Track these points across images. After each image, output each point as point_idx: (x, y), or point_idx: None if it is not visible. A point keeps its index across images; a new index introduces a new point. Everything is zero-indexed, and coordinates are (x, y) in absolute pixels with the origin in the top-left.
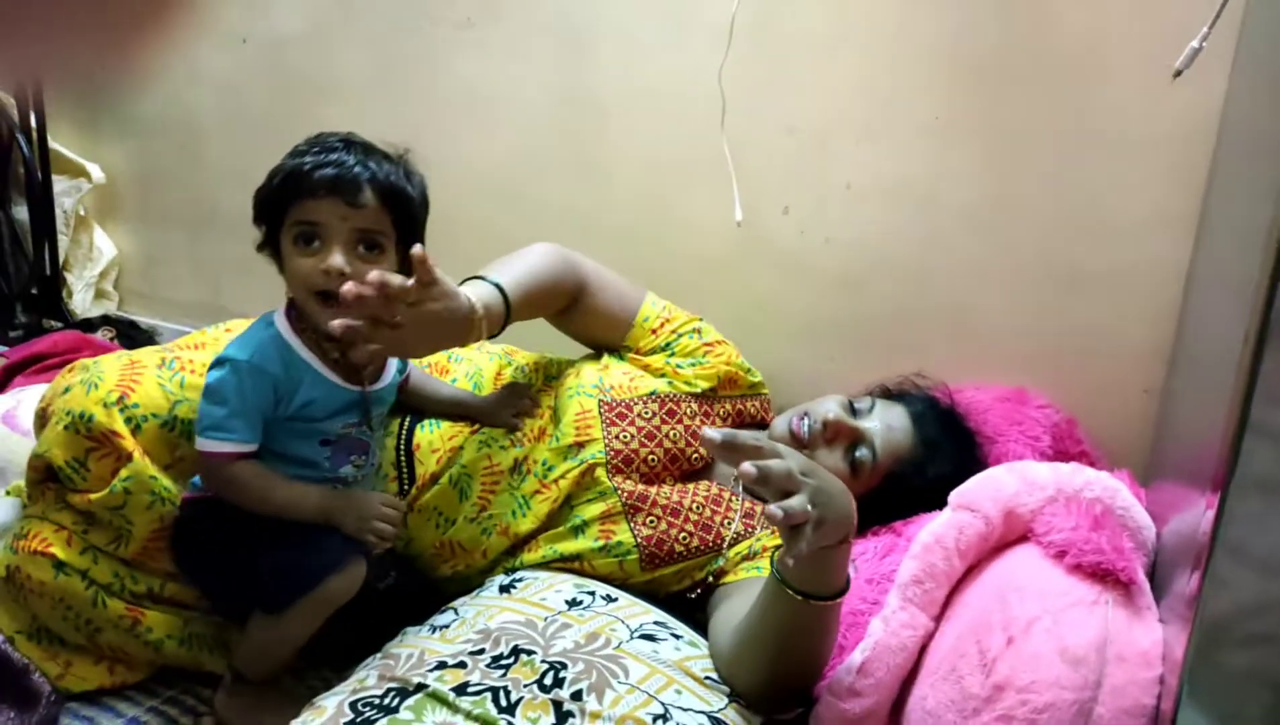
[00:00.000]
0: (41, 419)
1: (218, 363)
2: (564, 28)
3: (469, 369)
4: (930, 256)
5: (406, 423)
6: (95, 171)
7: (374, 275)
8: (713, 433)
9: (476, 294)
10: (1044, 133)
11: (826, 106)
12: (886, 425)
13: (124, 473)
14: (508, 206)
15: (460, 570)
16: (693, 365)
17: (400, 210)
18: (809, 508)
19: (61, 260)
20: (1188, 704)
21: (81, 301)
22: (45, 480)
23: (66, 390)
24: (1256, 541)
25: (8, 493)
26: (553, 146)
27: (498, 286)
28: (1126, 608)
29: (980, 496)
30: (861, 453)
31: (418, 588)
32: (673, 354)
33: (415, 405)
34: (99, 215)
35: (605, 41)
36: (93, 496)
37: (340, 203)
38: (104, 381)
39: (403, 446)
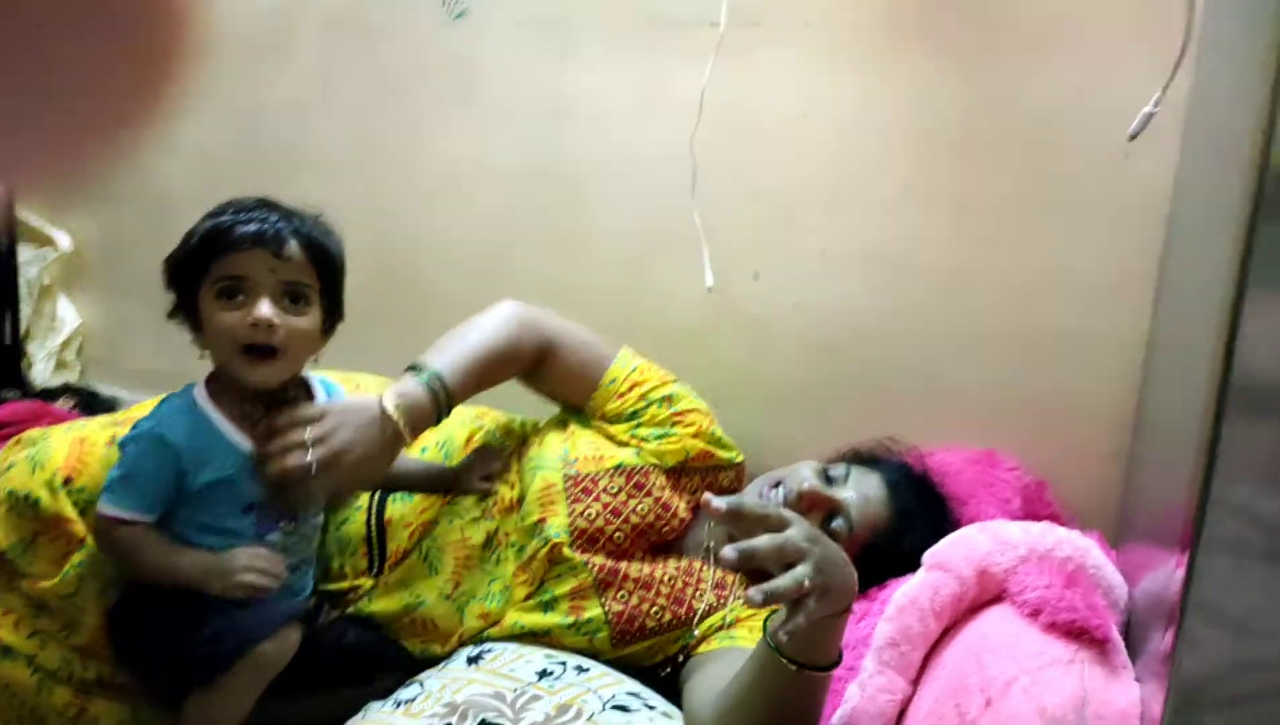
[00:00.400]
0: None
1: (131, 429)
2: (539, 103)
3: (440, 437)
4: (900, 322)
5: (377, 497)
6: (63, 240)
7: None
8: (718, 502)
9: (399, 394)
10: (1009, 199)
11: (795, 175)
12: (863, 496)
13: (75, 558)
14: (483, 278)
15: (431, 649)
16: (660, 437)
17: (324, 264)
18: (815, 576)
19: (23, 330)
20: None
21: (43, 371)
22: None
23: (10, 467)
24: (1227, 602)
25: None
26: (528, 219)
27: (433, 378)
28: (1103, 666)
29: (954, 556)
30: (838, 523)
31: (375, 647)
32: (639, 424)
33: (381, 483)
34: (64, 283)
35: (579, 116)
36: (43, 584)
37: (267, 254)
38: (50, 460)
39: (374, 521)
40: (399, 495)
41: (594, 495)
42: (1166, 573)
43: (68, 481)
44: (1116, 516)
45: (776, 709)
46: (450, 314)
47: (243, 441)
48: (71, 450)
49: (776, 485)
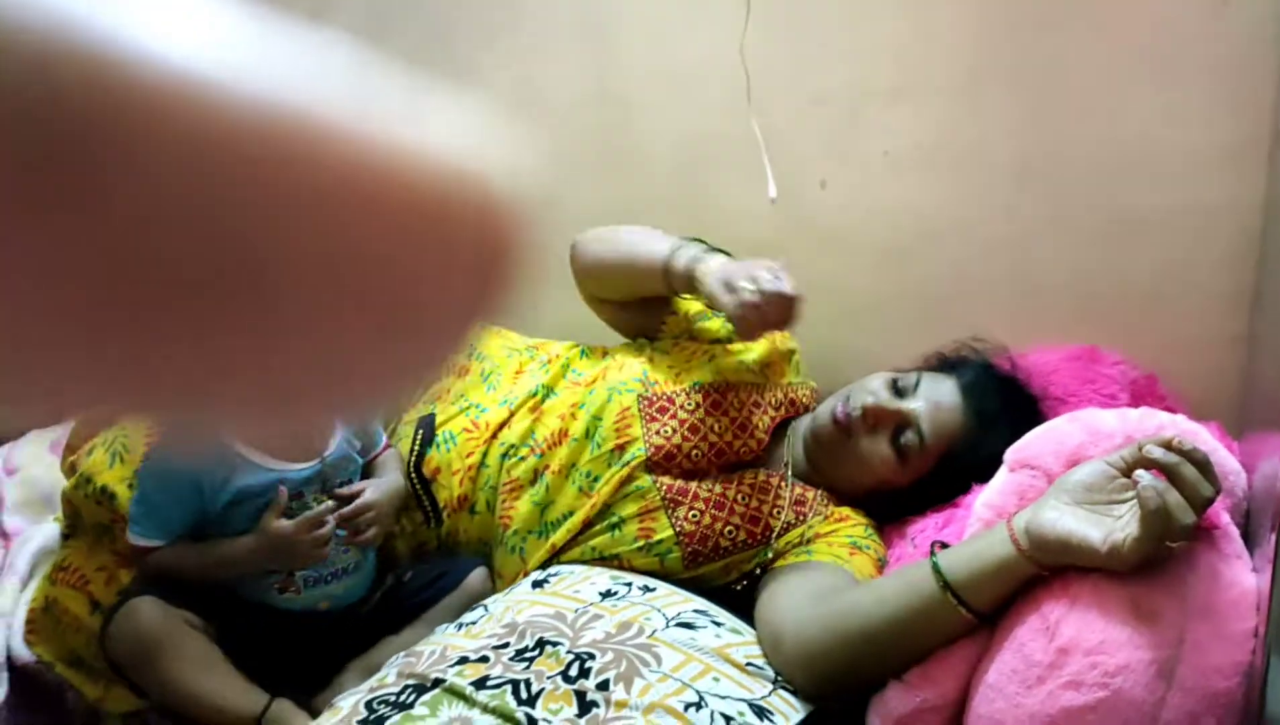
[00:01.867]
0: (70, 467)
1: (145, 458)
2: (580, 26)
3: (487, 367)
4: (979, 218)
5: (416, 447)
6: None
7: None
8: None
9: None
10: (1087, 71)
11: (853, 72)
12: (933, 404)
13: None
14: (542, 212)
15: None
16: (731, 337)
17: None
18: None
19: None
20: (1278, 660)
21: None
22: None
23: (91, 450)
24: None
25: (55, 519)
26: (581, 147)
27: None
28: (1210, 554)
29: (1041, 452)
30: (908, 437)
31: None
32: (695, 336)
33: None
34: None
35: (622, 35)
36: (122, 571)
37: None
38: (130, 452)
39: (414, 474)
40: (440, 440)
41: (670, 413)
42: (1275, 458)
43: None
44: (1238, 405)
45: (909, 633)
46: None
47: (260, 459)
48: (151, 439)
49: (847, 400)
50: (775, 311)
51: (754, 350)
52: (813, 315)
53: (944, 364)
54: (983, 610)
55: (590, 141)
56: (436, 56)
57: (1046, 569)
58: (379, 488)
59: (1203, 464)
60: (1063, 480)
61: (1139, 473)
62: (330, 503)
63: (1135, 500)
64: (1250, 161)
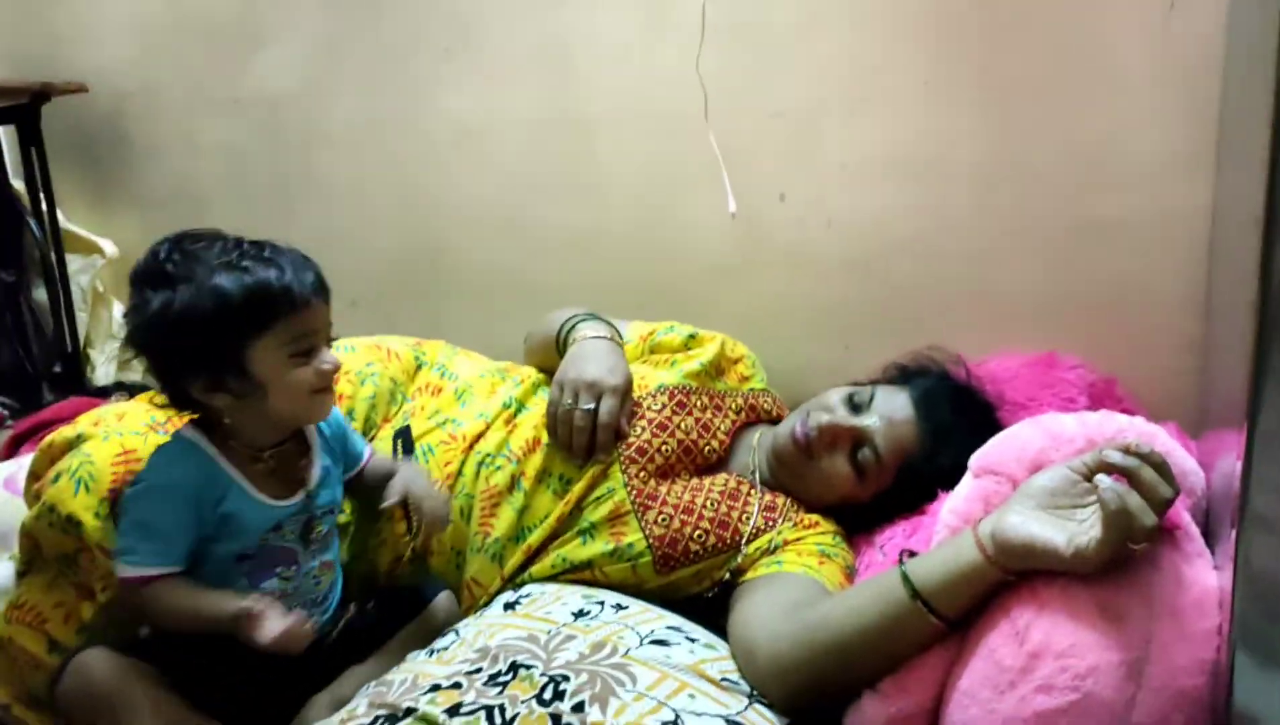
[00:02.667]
0: (33, 496)
1: (133, 484)
2: (539, 47)
3: (460, 386)
4: (938, 228)
5: (398, 457)
6: (108, 247)
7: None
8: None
9: None
10: (1042, 81)
11: (810, 86)
12: (887, 420)
13: (103, 598)
14: (506, 235)
15: (481, 606)
16: (686, 355)
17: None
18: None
19: (83, 337)
20: (1244, 654)
21: (105, 375)
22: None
23: (56, 477)
24: None
25: (10, 557)
26: (543, 168)
27: None
28: (1173, 555)
29: (1004, 457)
30: (864, 454)
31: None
32: (658, 349)
33: (367, 498)
34: (116, 290)
35: (580, 55)
36: (84, 604)
37: (323, 305)
38: (98, 481)
39: None
40: (420, 451)
41: (638, 414)
42: (1232, 456)
43: (115, 503)
44: (1195, 407)
45: (879, 642)
46: (478, 275)
47: (253, 491)
48: (116, 466)
49: (806, 420)
50: (578, 436)
51: (705, 353)
52: (774, 328)
53: (901, 375)
54: (952, 617)
55: (551, 162)
56: (394, 76)
57: (1013, 574)
58: (405, 482)
59: (1160, 466)
60: (1026, 486)
61: (1099, 477)
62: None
63: (1097, 504)
64: (1200, 168)
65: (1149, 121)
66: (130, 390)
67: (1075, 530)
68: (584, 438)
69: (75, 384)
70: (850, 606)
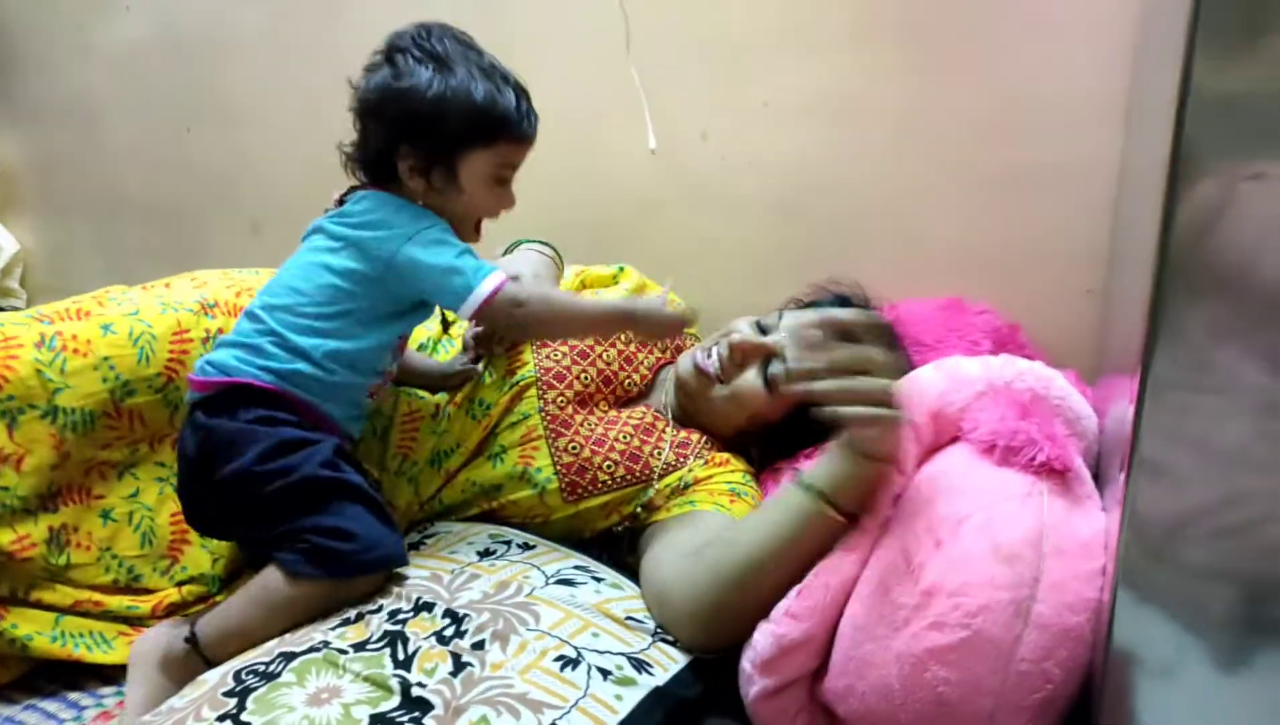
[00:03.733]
0: None
1: (421, 230)
2: None
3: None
4: (859, 171)
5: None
6: None
7: None
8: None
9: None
10: (965, 25)
11: (735, 20)
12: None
13: None
14: None
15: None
16: (615, 281)
17: None
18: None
19: None
20: (1126, 593)
21: None
22: None
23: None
24: (1186, 430)
25: None
26: None
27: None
28: (1064, 497)
29: (906, 400)
30: (774, 368)
31: None
32: (586, 285)
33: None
34: None
35: None
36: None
37: (528, 149)
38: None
39: None
40: None
41: (559, 342)
42: (1125, 403)
43: None
44: (1093, 355)
45: (786, 555)
46: None
47: None
48: None
49: (709, 349)
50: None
51: (630, 283)
52: (692, 268)
53: (803, 305)
54: (852, 510)
55: None
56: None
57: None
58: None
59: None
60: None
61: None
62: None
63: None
64: (1110, 119)
65: (1066, 68)
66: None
67: None
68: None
69: None
70: (754, 525)
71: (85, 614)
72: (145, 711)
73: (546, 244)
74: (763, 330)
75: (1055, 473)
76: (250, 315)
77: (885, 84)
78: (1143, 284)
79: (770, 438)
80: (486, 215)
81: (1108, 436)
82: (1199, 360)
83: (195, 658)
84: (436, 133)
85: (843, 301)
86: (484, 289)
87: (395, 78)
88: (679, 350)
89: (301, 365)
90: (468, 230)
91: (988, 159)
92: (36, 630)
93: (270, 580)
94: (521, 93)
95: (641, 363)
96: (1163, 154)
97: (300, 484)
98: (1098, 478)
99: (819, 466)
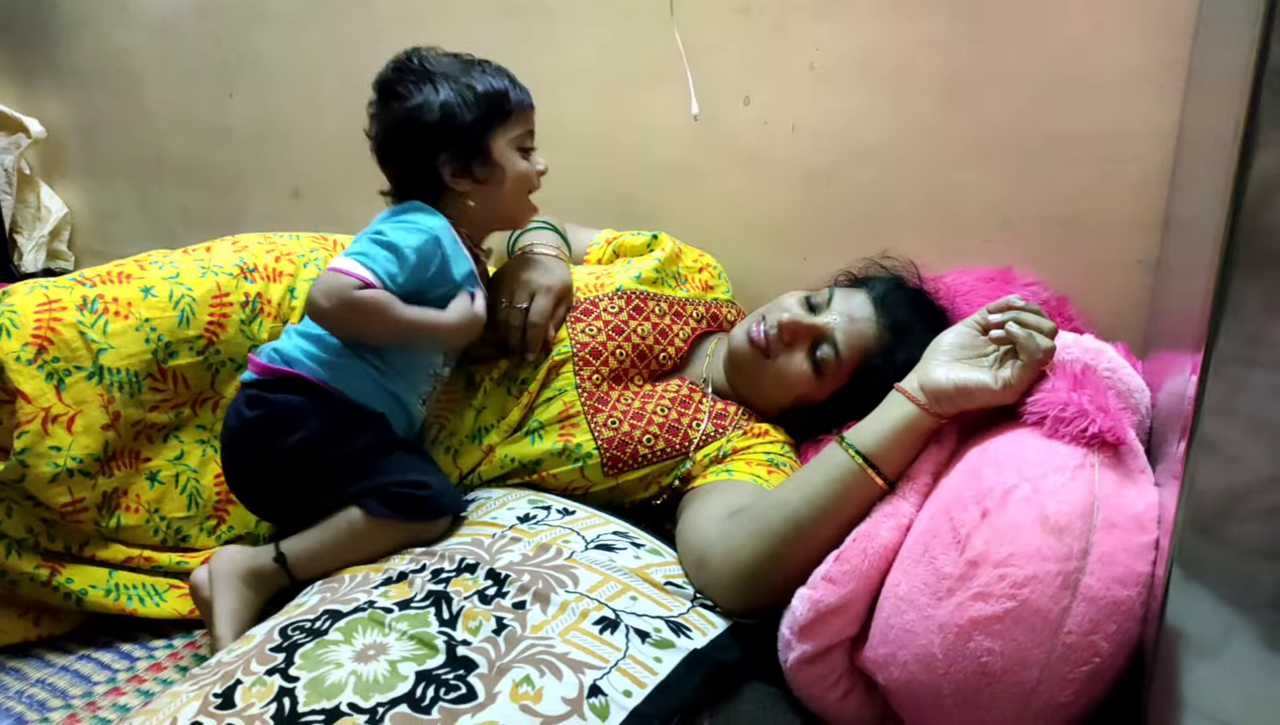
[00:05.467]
0: None
1: (402, 222)
2: None
3: None
4: (903, 137)
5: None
6: (34, 126)
7: None
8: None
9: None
10: None
11: None
12: (847, 317)
13: (19, 443)
14: None
15: None
16: (649, 248)
17: None
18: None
19: (9, 222)
20: (1180, 570)
21: (33, 262)
22: None
23: None
24: (1248, 408)
25: None
26: (499, 58)
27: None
28: (1116, 470)
29: None
30: (824, 351)
31: None
32: (620, 253)
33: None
34: (44, 172)
35: None
36: None
37: (534, 114)
38: (20, 327)
39: None
40: None
41: (594, 315)
42: (1184, 377)
43: (41, 351)
44: (1144, 328)
45: (829, 517)
46: None
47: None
48: (40, 314)
49: (761, 321)
50: (509, 333)
51: (663, 252)
52: (732, 234)
53: (854, 281)
54: (892, 476)
55: (507, 53)
56: None
57: (945, 418)
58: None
59: (1036, 310)
60: (936, 343)
61: (992, 317)
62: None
63: (995, 351)
64: (1169, 88)
65: (1122, 34)
66: (57, 275)
67: (991, 371)
68: (514, 336)
69: (1, 271)
70: (796, 485)
71: (137, 569)
72: (236, 620)
73: (549, 225)
74: (812, 307)
75: (1107, 445)
76: None
77: (933, 49)
78: (1204, 256)
79: (814, 418)
80: (529, 186)
81: (1162, 410)
82: (1255, 335)
83: (282, 574)
84: (461, 130)
85: (896, 280)
86: (346, 265)
87: (406, 104)
88: (714, 318)
89: (358, 364)
90: (523, 206)
91: (1036, 127)
92: (90, 584)
93: (355, 520)
94: (505, 71)
95: (676, 336)
96: (1231, 124)
97: (370, 447)
98: (1150, 452)
99: (865, 425)
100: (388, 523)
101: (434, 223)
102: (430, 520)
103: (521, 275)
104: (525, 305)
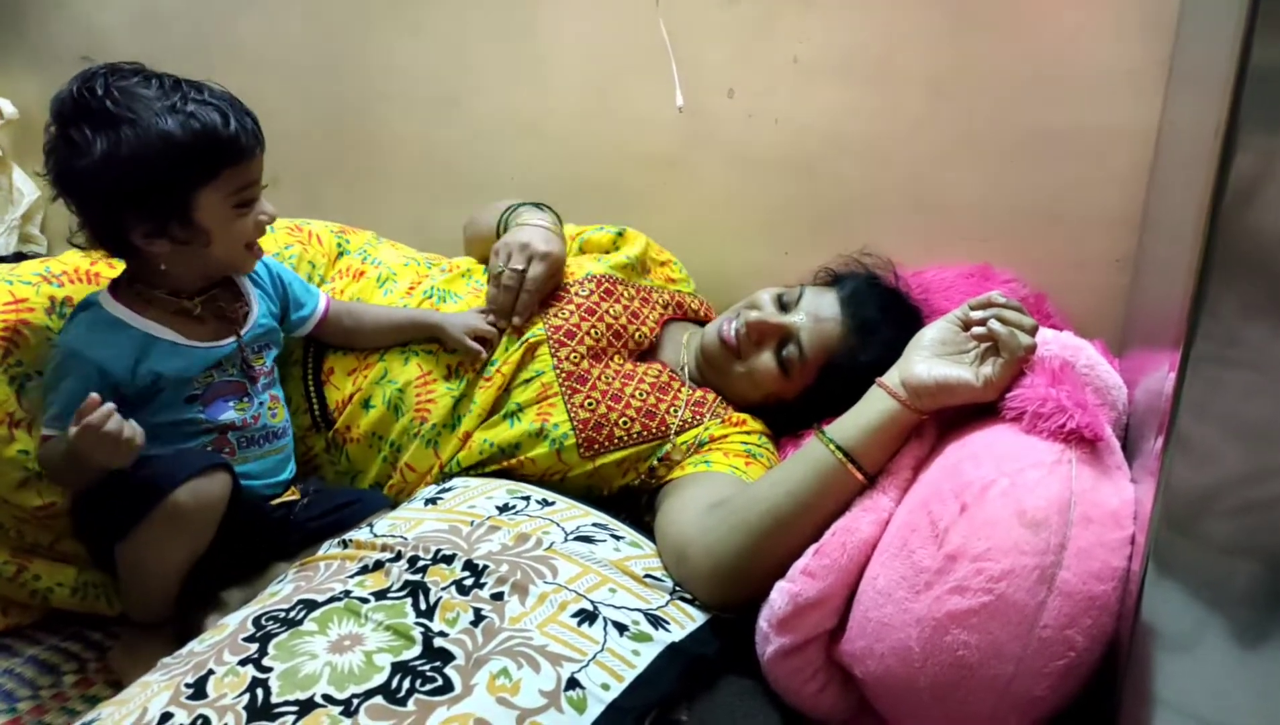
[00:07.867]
0: None
1: (53, 346)
2: None
3: (383, 272)
4: (886, 132)
5: (312, 348)
6: (7, 107)
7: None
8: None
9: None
10: None
11: None
12: (814, 316)
13: None
14: (444, 116)
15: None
16: (614, 245)
17: None
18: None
19: None
20: (1155, 566)
21: (4, 245)
22: None
23: None
24: (1223, 405)
25: None
26: (484, 48)
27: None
28: (1093, 466)
29: None
30: (789, 350)
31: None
32: (584, 249)
33: (344, 342)
34: (16, 155)
35: None
36: None
37: (262, 153)
38: None
39: (310, 376)
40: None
41: (566, 300)
42: (1161, 375)
43: (7, 353)
44: (1120, 325)
45: (806, 511)
46: (416, 156)
47: (177, 337)
48: (7, 316)
49: (733, 321)
50: (504, 294)
51: (631, 248)
52: (714, 227)
53: (831, 279)
54: (872, 471)
55: (492, 44)
56: None
57: (925, 413)
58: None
59: (1018, 307)
60: (917, 340)
61: (973, 314)
62: (98, 399)
63: (978, 347)
64: (1149, 86)
65: (1104, 31)
66: (30, 259)
67: (971, 368)
68: (509, 297)
69: None
70: (776, 479)
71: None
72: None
73: (544, 206)
74: (783, 305)
75: (1085, 441)
76: None
77: (918, 44)
78: (1182, 255)
79: (786, 416)
80: (246, 242)
81: (1139, 408)
82: (1231, 335)
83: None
84: (151, 191)
85: (869, 278)
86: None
87: (75, 156)
88: (679, 306)
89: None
90: (240, 259)
91: (1017, 124)
92: (57, 582)
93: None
94: (224, 103)
95: (647, 318)
96: (1211, 124)
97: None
98: (1126, 448)
99: (846, 419)
100: (136, 536)
101: (76, 331)
102: (157, 504)
103: (521, 239)
104: (522, 267)
